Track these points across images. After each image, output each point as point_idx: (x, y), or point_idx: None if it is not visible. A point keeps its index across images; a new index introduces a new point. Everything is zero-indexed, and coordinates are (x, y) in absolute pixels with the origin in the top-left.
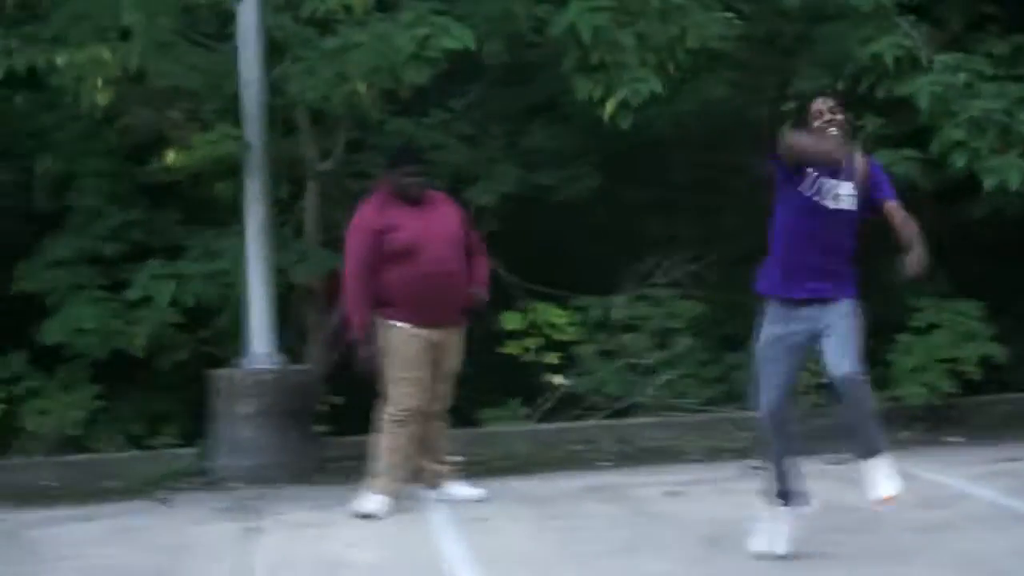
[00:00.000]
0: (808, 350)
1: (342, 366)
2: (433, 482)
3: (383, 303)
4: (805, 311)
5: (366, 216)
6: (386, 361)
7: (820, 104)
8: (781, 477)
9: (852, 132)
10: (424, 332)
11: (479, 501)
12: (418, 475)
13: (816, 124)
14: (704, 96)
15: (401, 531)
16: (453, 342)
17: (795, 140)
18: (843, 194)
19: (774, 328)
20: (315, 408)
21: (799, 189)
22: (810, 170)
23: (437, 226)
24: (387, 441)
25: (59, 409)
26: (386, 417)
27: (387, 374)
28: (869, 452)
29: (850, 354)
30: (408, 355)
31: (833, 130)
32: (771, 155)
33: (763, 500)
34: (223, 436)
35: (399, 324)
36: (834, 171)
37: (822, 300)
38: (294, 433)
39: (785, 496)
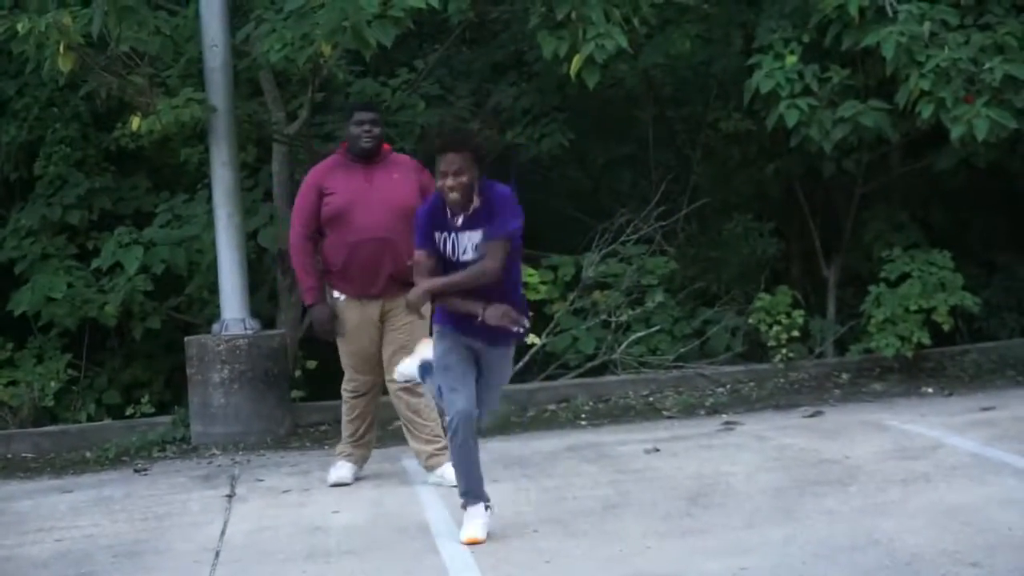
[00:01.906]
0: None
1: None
2: (424, 463)
3: (325, 270)
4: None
5: (312, 176)
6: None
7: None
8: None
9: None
10: (360, 304)
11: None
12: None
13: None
14: (670, 51)
15: (382, 495)
16: (400, 313)
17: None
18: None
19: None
20: (290, 373)
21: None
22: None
23: (379, 191)
24: (344, 411)
25: (32, 380)
26: (343, 387)
27: (339, 344)
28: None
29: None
30: (347, 327)
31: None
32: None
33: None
34: (199, 403)
35: (337, 296)
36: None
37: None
38: (269, 399)
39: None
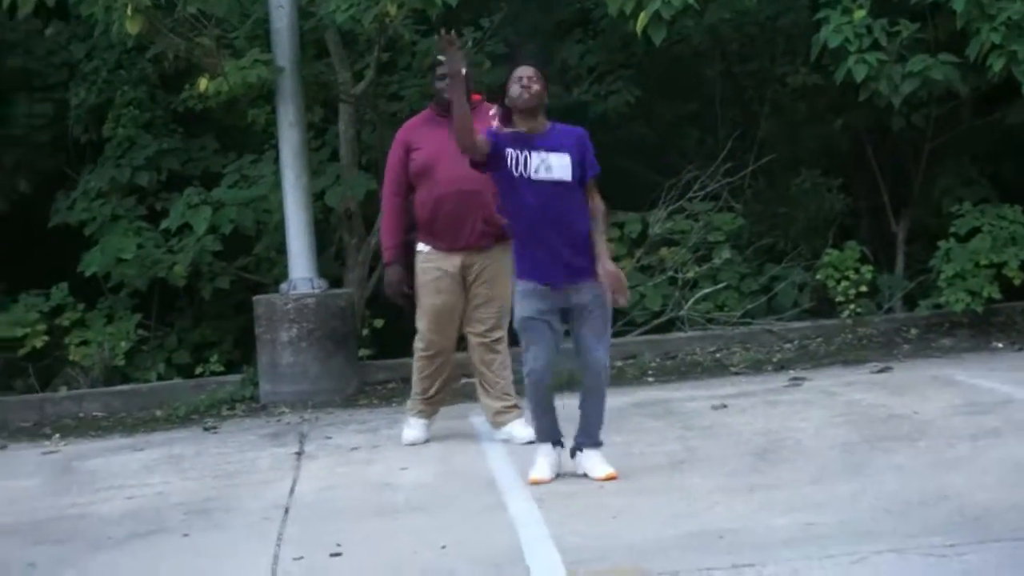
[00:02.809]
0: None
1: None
2: (492, 419)
3: (416, 225)
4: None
5: (402, 130)
6: (416, 288)
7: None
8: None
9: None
10: (444, 257)
11: (532, 442)
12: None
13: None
14: (736, 6)
15: (449, 453)
16: (485, 266)
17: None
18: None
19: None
20: (357, 332)
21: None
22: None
23: None
24: (415, 369)
25: (103, 340)
26: (415, 346)
27: (417, 300)
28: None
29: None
30: (426, 280)
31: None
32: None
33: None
34: (267, 362)
35: (422, 247)
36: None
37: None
38: (337, 357)
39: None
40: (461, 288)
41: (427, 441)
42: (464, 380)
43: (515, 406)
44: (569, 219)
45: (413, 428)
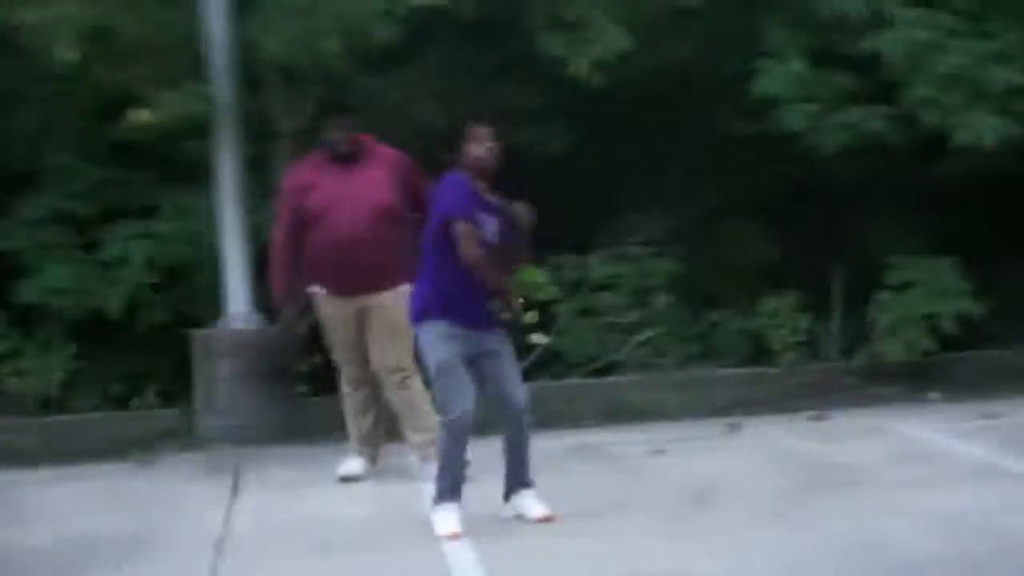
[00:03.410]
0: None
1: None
2: (423, 454)
3: (308, 267)
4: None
5: (291, 176)
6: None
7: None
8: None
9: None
10: (340, 299)
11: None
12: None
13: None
14: (675, 53)
15: (385, 491)
16: (382, 307)
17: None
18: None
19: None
20: (295, 368)
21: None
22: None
23: (358, 189)
24: (345, 410)
25: (38, 370)
26: (342, 382)
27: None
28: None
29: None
30: (328, 322)
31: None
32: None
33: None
34: (203, 396)
35: (317, 289)
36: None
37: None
38: (274, 393)
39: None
40: (360, 323)
41: (363, 479)
42: None
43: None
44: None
45: (348, 464)
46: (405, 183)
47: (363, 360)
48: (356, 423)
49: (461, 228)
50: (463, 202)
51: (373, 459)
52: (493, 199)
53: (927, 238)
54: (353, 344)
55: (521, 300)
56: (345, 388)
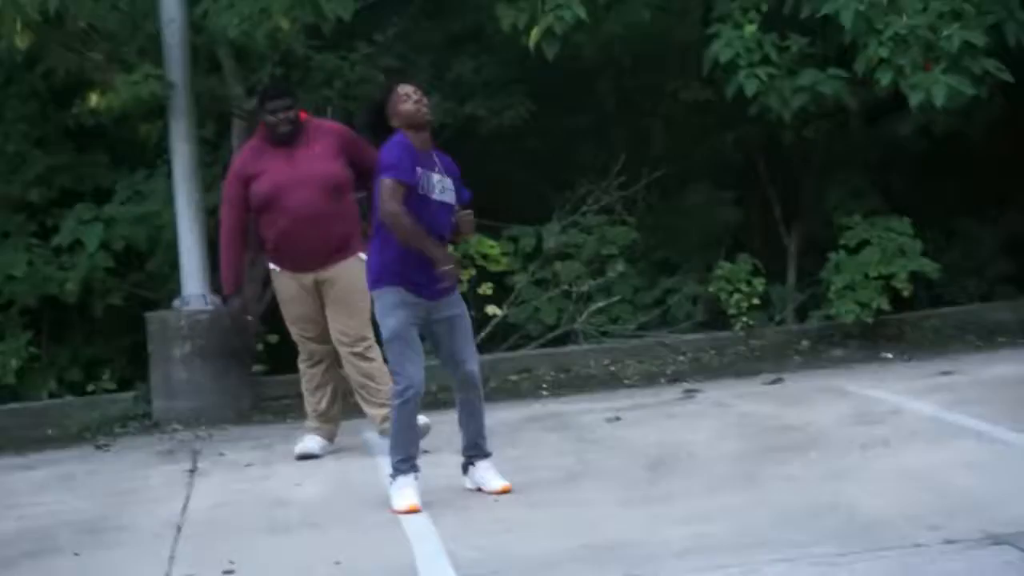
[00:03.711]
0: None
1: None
2: (381, 427)
3: (263, 247)
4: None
5: (237, 164)
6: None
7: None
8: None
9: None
10: (296, 275)
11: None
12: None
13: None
14: (629, 21)
15: (343, 469)
16: (339, 279)
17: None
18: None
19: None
20: (251, 348)
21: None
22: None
23: (303, 168)
24: (303, 384)
25: None
26: (298, 359)
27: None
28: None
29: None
30: (284, 298)
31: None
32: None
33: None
34: (160, 379)
35: (274, 268)
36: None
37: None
38: (231, 373)
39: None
40: (317, 298)
41: (321, 457)
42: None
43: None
44: (447, 239)
45: (306, 442)
46: (350, 154)
47: (321, 335)
48: (313, 400)
49: (385, 183)
50: (397, 160)
51: (331, 436)
52: (437, 154)
53: (882, 199)
54: (311, 318)
55: (474, 271)
56: (302, 365)
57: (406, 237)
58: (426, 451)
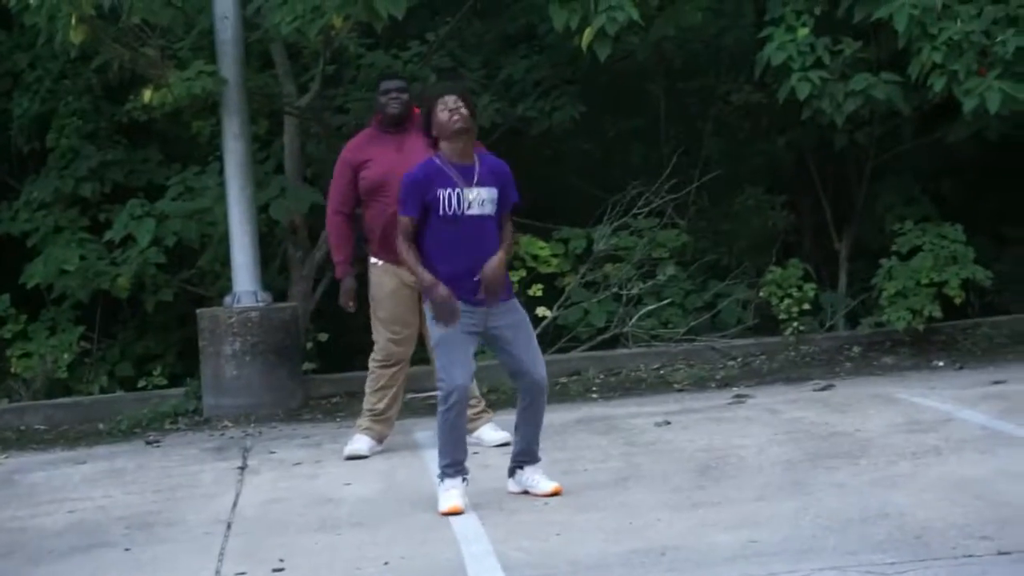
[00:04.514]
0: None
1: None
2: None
3: (366, 240)
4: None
5: (347, 150)
6: (371, 300)
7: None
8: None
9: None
10: (400, 271)
11: (505, 444)
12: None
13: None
14: (681, 23)
15: (392, 468)
16: None
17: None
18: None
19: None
20: (301, 345)
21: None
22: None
23: (412, 157)
24: (370, 383)
25: (45, 352)
26: (372, 358)
27: (372, 314)
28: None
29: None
30: (383, 294)
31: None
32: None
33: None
34: (210, 376)
35: (375, 261)
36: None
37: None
38: (281, 371)
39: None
40: (416, 299)
41: (368, 457)
42: (410, 395)
43: (485, 410)
44: (485, 250)
45: (355, 442)
46: None
47: (404, 341)
48: (373, 399)
49: (403, 223)
50: (404, 194)
51: (381, 438)
52: (483, 159)
53: (934, 205)
54: (405, 320)
55: (524, 272)
56: (374, 364)
57: (415, 273)
58: (475, 452)
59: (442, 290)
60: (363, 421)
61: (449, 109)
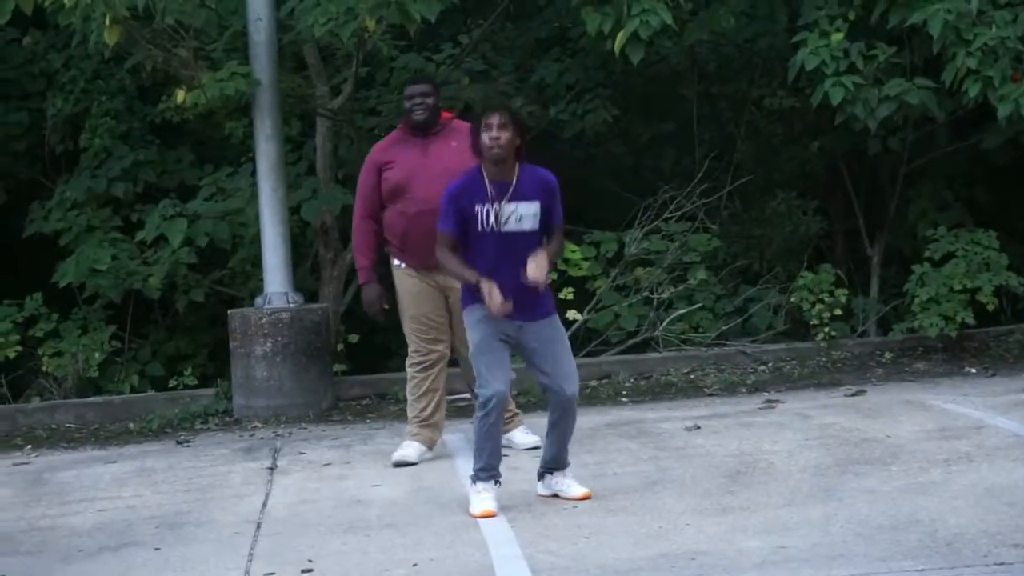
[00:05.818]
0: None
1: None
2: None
3: (388, 242)
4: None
5: (374, 151)
6: (399, 303)
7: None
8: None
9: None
10: (423, 273)
11: (536, 448)
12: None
13: (480, 137)
14: (714, 27)
15: (422, 470)
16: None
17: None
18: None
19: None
20: (332, 347)
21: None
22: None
23: (436, 161)
24: (411, 389)
25: (76, 351)
26: (408, 362)
27: (401, 315)
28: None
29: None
30: (408, 296)
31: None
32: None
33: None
34: (241, 376)
35: (398, 264)
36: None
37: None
38: (311, 372)
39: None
40: (443, 299)
41: (417, 464)
42: (448, 397)
43: (516, 413)
44: (525, 266)
45: (404, 448)
46: None
47: (437, 339)
48: (418, 406)
49: (441, 238)
50: (443, 209)
51: (431, 443)
52: (526, 173)
53: (967, 211)
54: (432, 319)
55: (555, 276)
56: (412, 369)
57: (458, 276)
58: (505, 455)
59: (488, 283)
60: (411, 427)
61: (491, 136)
